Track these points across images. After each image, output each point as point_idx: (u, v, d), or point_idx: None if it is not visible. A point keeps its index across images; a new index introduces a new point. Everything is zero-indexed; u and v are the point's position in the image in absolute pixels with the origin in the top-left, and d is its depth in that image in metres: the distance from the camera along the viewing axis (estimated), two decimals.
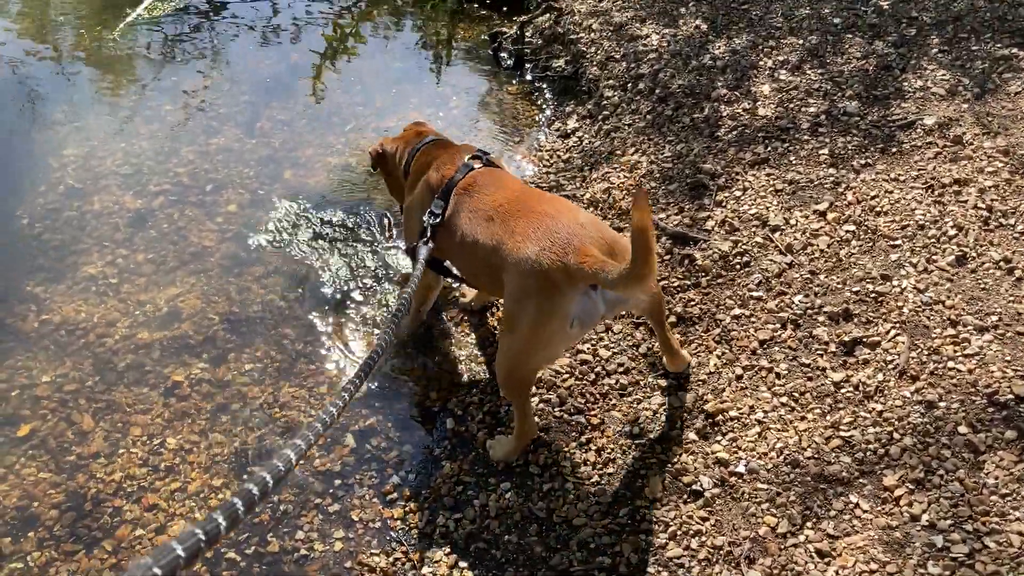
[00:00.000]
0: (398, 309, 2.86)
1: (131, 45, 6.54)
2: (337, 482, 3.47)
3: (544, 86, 5.80)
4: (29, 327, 4.14)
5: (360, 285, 4.39)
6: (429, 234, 3.32)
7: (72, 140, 5.37)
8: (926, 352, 3.21)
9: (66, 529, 3.34)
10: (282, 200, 4.90)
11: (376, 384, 3.89)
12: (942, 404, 3.02)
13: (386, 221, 4.72)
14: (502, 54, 6.16)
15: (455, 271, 3.62)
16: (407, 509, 3.33)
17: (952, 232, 3.60)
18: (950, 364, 3.13)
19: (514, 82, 5.93)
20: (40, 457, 3.60)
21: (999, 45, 4.50)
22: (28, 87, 5.96)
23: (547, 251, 2.86)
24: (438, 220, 3.32)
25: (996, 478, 2.78)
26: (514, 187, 3.33)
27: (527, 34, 6.18)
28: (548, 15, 6.17)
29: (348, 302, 4.29)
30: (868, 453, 2.97)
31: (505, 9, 6.69)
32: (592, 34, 5.75)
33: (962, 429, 2.92)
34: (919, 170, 3.94)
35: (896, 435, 2.99)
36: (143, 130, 5.48)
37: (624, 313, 3.79)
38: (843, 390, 3.20)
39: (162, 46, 6.56)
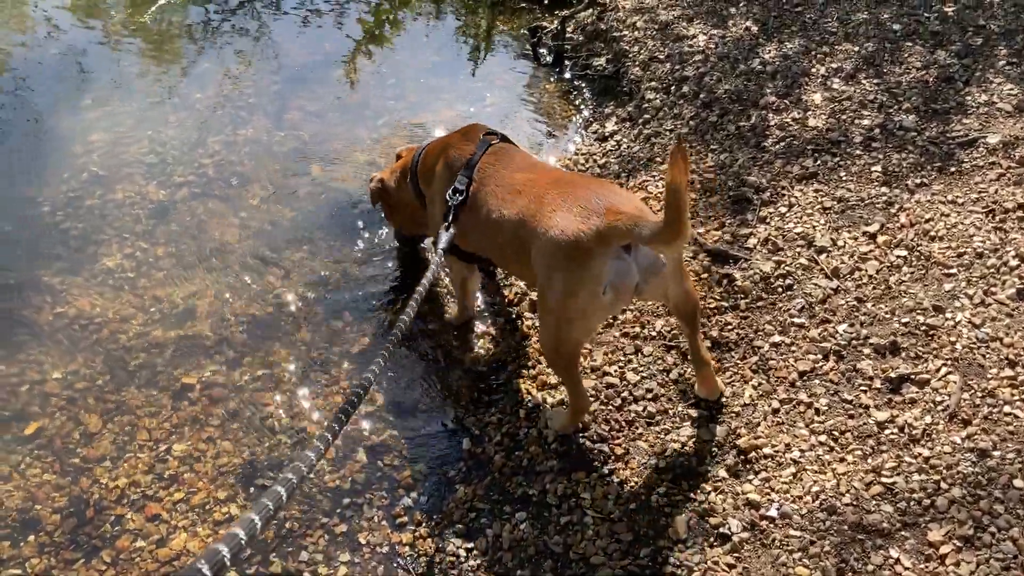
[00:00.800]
0: (401, 319, 2.93)
1: (162, 30, 6.43)
2: (346, 501, 3.32)
3: (583, 85, 5.58)
4: (44, 319, 4.04)
5: (382, 290, 4.23)
6: (451, 217, 3.31)
7: (99, 126, 5.27)
8: (980, 394, 2.97)
9: (67, 536, 3.23)
10: (306, 198, 4.75)
11: (392, 397, 3.73)
12: (996, 453, 2.78)
13: None
14: (541, 49, 5.95)
15: (482, 255, 3.55)
16: (417, 535, 3.17)
17: (1014, 263, 3.34)
18: (1006, 409, 2.90)
19: (552, 79, 5.72)
20: (45, 458, 3.50)
21: None
22: (57, 71, 5.87)
23: (576, 217, 2.80)
24: (463, 197, 3.28)
25: None
26: (537, 163, 3.33)
27: (568, 29, 5.96)
28: (591, 10, 5.94)
29: (369, 308, 4.14)
30: (912, 503, 2.75)
31: (547, 2, 6.46)
32: (636, 32, 5.52)
33: (1018, 483, 2.69)
34: (979, 193, 3.68)
35: (944, 485, 2.77)
36: (171, 118, 5.37)
37: (658, 305, 3.62)
38: (887, 431, 2.98)
39: (194, 31, 6.45)
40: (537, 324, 3.89)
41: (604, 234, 2.73)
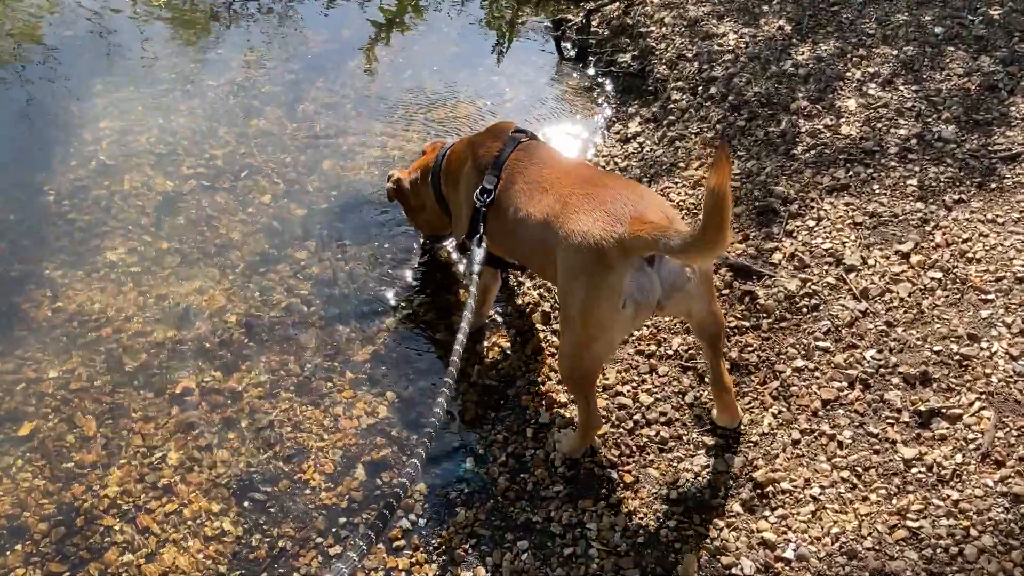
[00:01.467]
0: (451, 366, 2.78)
1: (178, 14, 6.29)
2: (342, 520, 3.18)
3: (606, 82, 5.38)
4: (42, 315, 3.94)
5: (391, 295, 4.08)
6: (481, 228, 3.19)
7: (109, 113, 5.15)
8: (1015, 432, 2.79)
9: (54, 546, 3.13)
10: (317, 194, 4.61)
11: (394, 409, 3.58)
12: None
13: None
14: (565, 43, 5.76)
15: (509, 259, 3.42)
16: (413, 560, 3.03)
17: None
18: None
19: (575, 75, 5.53)
20: (37, 461, 3.40)
21: None
22: (69, 56, 5.75)
23: (599, 223, 2.65)
24: (490, 198, 3.16)
25: None
26: (567, 160, 3.20)
27: (593, 23, 5.76)
28: (618, 3, 5.73)
29: (376, 314, 3.99)
30: (939, 551, 2.58)
31: None
32: (664, 28, 5.31)
33: None
34: (1021, 212, 3.47)
35: (973, 532, 2.59)
36: (182, 106, 5.23)
37: (676, 322, 3.46)
38: (914, 470, 2.80)
39: (210, 16, 6.29)
40: (549, 336, 3.74)
41: (626, 244, 2.57)
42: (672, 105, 4.78)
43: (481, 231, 3.19)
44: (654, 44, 5.28)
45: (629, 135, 4.79)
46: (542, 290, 3.96)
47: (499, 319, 3.93)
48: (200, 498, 3.26)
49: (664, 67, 5.08)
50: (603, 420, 3.20)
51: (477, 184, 3.25)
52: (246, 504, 3.24)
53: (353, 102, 5.31)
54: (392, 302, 4.05)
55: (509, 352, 3.77)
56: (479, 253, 3.17)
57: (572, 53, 5.70)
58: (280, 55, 5.77)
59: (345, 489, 3.28)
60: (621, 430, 3.23)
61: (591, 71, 5.51)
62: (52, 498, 3.27)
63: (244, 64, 5.65)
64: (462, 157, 3.47)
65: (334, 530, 3.15)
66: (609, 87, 5.34)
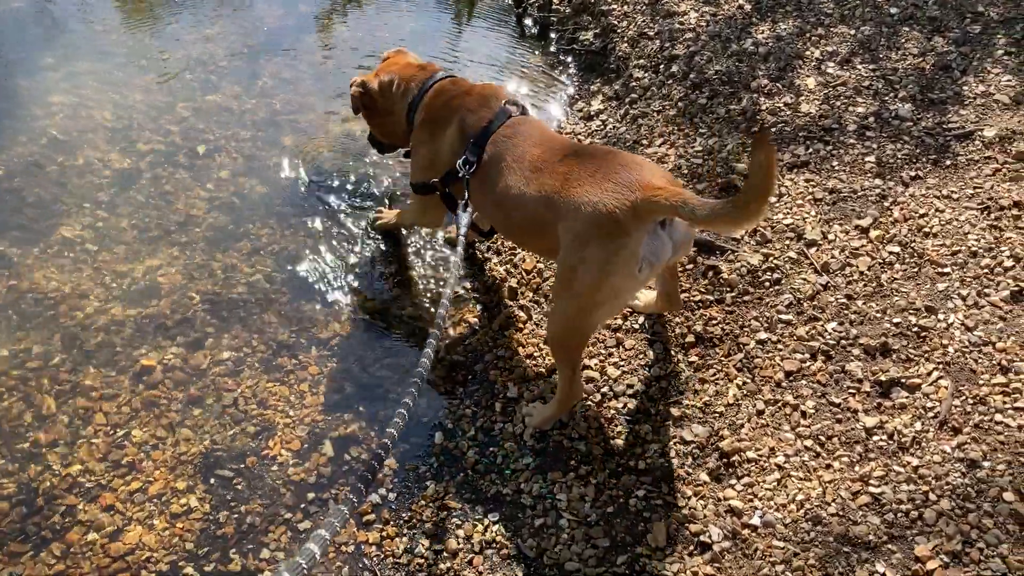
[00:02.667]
0: (426, 353, 2.73)
1: None
2: (310, 495, 3.16)
3: (569, 60, 5.38)
4: None
5: (354, 270, 4.05)
6: (466, 195, 3.21)
7: (61, 87, 5.02)
8: (971, 401, 2.87)
9: (15, 526, 3.06)
10: (277, 169, 4.55)
11: (361, 384, 3.57)
12: (986, 464, 2.69)
13: (387, 201, 4.36)
14: (527, 20, 5.74)
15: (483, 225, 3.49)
16: (384, 534, 3.03)
17: (1008, 263, 3.23)
18: (998, 417, 2.80)
19: (537, 52, 5.51)
20: None
21: None
22: (16, 27, 5.58)
23: (610, 192, 2.69)
24: (472, 169, 3.16)
25: None
26: (558, 138, 3.18)
27: (555, 1, 5.74)
28: None
29: (339, 289, 3.96)
30: (899, 515, 2.65)
31: None
32: (625, 7, 5.33)
33: (1008, 496, 2.60)
34: (975, 188, 3.56)
35: (932, 496, 2.67)
36: (138, 81, 5.12)
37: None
38: (875, 438, 2.87)
39: None
40: (516, 311, 3.75)
41: (640, 210, 2.62)
42: (634, 83, 4.80)
43: (467, 199, 3.21)
44: (616, 22, 5.29)
45: (592, 112, 4.80)
46: (508, 266, 3.96)
47: (466, 295, 3.93)
48: (166, 475, 3.22)
49: (626, 45, 5.10)
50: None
51: (458, 151, 3.25)
52: (212, 481, 3.21)
53: (312, 78, 5.24)
54: (357, 278, 4.03)
55: (477, 328, 3.77)
56: (464, 218, 3.19)
57: (534, 31, 5.69)
58: (237, 30, 5.66)
59: (313, 465, 3.26)
60: (590, 403, 3.26)
61: (553, 49, 5.50)
62: (11, 478, 3.19)
63: (200, 39, 5.54)
64: (447, 113, 3.37)
65: (303, 506, 3.13)
66: (571, 65, 5.34)
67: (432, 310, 3.85)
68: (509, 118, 3.20)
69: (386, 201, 4.36)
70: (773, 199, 3.72)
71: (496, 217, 3.23)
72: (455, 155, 3.26)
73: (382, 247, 4.18)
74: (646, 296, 3.44)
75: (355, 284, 4.00)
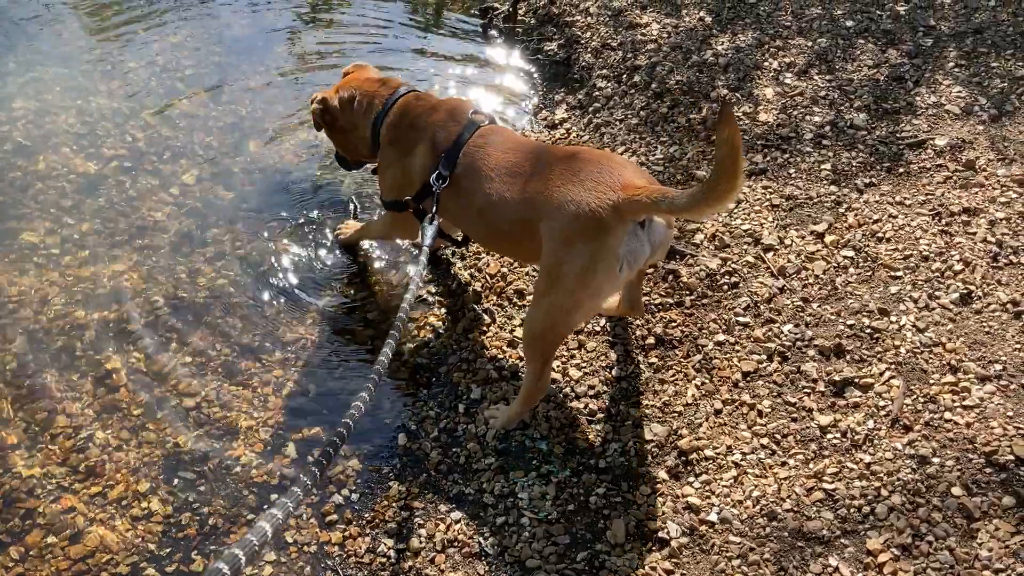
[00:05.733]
0: (385, 350, 2.75)
1: None
2: (273, 497, 3.17)
3: (533, 70, 5.45)
4: None
5: (319, 276, 4.07)
6: (435, 208, 3.19)
7: (24, 92, 4.99)
8: (922, 399, 2.96)
9: None
10: (242, 175, 4.56)
11: (325, 387, 3.58)
12: (935, 460, 2.77)
13: (352, 206, 4.39)
14: (492, 31, 5.80)
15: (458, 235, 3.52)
16: (347, 534, 3.04)
17: (958, 267, 3.33)
18: (947, 415, 2.89)
19: (502, 63, 5.57)
20: None
21: (1020, 64, 4.21)
22: None
23: (591, 192, 2.74)
24: (445, 184, 3.16)
25: (990, 550, 2.54)
26: (531, 143, 3.21)
27: (520, 12, 5.82)
28: None
29: (305, 294, 3.97)
30: (852, 510, 2.72)
31: None
32: (589, 18, 5.41)
33: (956, 491, 2.68)
34: (927, 195, 3.67)
35: (884, 492, 2.75)
36: (102, 87, 5.11)
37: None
38: (829, 436, 2.95)
39: None
40: (480, 315, 3.78)
41: (622, 209, 2.67)
42: (597, 92, 4.87)
43: (435, 212, 3.19)
44: (579, 33, 5.37)
45: (556, 121, 4.87)
46: (473, 270, 4.00)
47: (431, 299, 3.96)
48: (128, 477, 3.21)
49: (589, 55, 5.18)
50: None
51: (431, 166, 3.22)
52: (175, 483, 3.21)
53: (278, 86, 5.26)
54: (322, 282, 4.04)
55: (441, 331, 3.80)
56: (430, 230, 3.18)
57: (500, 41, 5.76)
58: (204, 38, 5.66)
59: (276, 466, 3.27)
60: (551, 404, 3.30)
61: (518, 59, 5.57)
62: None
63: (166, 46, 5.53)
64: (415, 133, 3.33)
65: (266, 507, 3.13)
66: (536, 75, 5.40)
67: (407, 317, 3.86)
68: (478, 128, 3.20)
69: (351, 207, 4.37)
70: (738, 199, 3.80)
71: (478, 227, 3.23)
72: (427, 171, 3.23)
73: (349, 253, 4.19)
74: (610, 299, 3.49)
75: (320, 289, 4.01)
